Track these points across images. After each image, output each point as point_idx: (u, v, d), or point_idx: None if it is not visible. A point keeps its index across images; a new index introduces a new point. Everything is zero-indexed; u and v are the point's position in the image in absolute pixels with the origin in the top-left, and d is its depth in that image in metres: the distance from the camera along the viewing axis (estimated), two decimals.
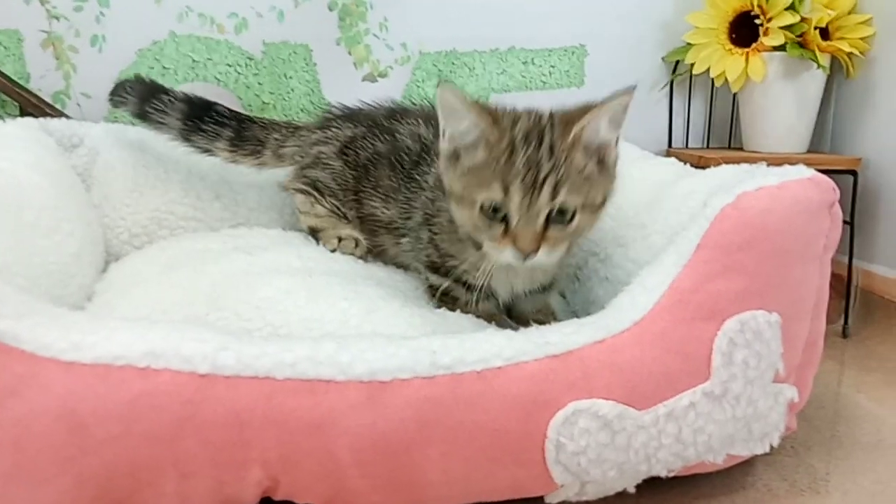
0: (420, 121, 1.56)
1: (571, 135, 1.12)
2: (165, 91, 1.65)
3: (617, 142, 1.18)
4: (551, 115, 1.18)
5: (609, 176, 1.20)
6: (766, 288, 0.99)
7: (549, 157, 1.12)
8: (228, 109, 1.68)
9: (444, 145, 1.20)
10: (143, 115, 1.65)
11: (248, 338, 0.93)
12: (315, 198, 1.63)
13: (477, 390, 0.91)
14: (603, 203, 1.20)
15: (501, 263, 1.18)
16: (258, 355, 0.89)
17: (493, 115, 1.15)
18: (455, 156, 1.19)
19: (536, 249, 1.12)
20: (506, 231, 1.13)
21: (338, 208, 1.60)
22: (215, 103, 1.68)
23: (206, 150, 1.68)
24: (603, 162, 1.18)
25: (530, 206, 1.11)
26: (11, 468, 0.82)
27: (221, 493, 0.89)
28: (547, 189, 1.10)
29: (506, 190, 1.11)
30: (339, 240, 1.55)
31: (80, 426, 0.83)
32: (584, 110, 1.14)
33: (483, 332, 1.02)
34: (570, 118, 1.15)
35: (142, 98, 1.64)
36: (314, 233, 1.63)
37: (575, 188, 1.12)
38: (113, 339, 0.87)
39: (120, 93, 1.66)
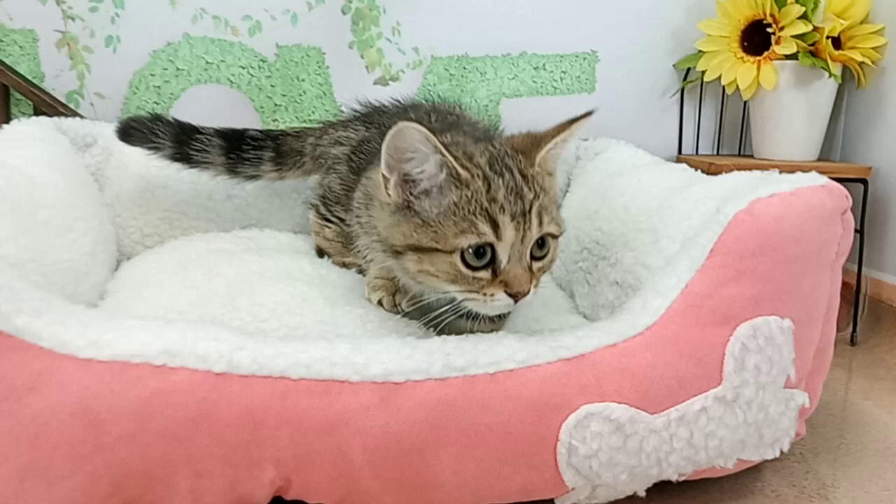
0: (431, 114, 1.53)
1: (540, 156, 1.06)
2: (197, 129, 1.61)
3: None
4: (501, 143, 1.10)
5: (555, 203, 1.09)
6: (779, 294, 1.00)
7: (527, 185, 1.03)
8: (258, 131, 1.68)
9: (391, 195, 1.05)
10: (185, 158, 1.61)
11: (263, 338, 0.94)
12: (323, 217, 1.62)
13: (489, 392, 0.92)
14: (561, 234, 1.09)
15: (483, 312, 1.05)
16: (274, 355, 0.90)
17: (454, 151, 1.03)
18: (406, 205, 1.05)
19: (529, 291, 1.01)
20: (494, 275, 1.01)
21: (342, 220, 1.57)
22: (245, 129, 1.66)
23: (253, 177, 1.67)
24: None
25: (523, 240, 1.00)
26: (28, 464, 0.83)
27: (234, 491, 0.90)
28: (535, 217, 1.01)
29: (495, 226, 0.99)
30: (343, 265, 1.55)
31: (96, 423, 0.84)
32: (547, 135, 1.08)
33: (496, 335, 1.02)
34: (532, 142, 1.09)
35: (178, 141, 1.60)
36: (321, 253, 1.64)
37: (551, 214, 1.04)
38: (130, 337, 0.88)
39: (151, 139, 1.58)
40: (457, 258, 1.00)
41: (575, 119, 1.08)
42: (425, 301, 1.15)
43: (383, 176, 1.04)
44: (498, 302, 1.01)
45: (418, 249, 1.03)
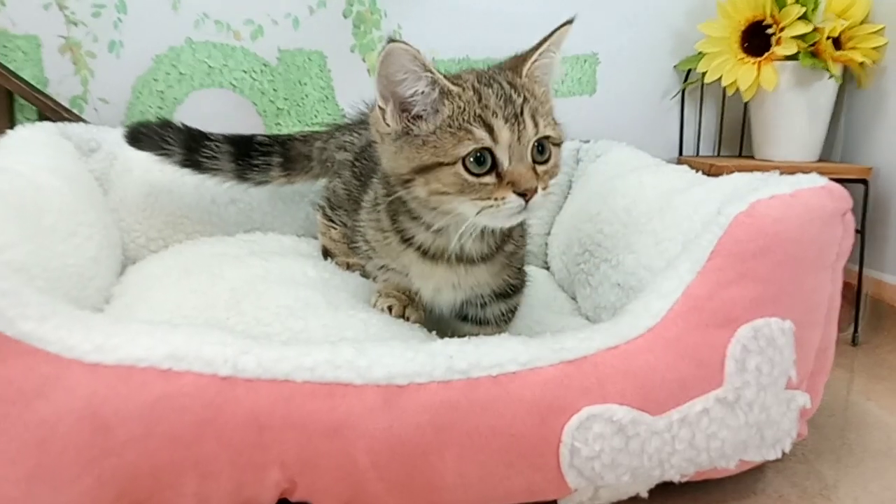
0: None
1: (526, 67, 1.11)
2: (206, 136, 1.63)
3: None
4: (492, 67, 1.17)
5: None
6: (780, 295, 1.00)
7: (516, 92, 1.08)
8: (266, 136, 1.69)
9: (390, 125, 1.09)
10: (194, 165, 1.63)
11: (268, 342, 0.94)
12: (329, 219, 1.64)
13: (492, 395, 0.92)
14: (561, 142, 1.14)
15: (500, 223, 1.11)
16: (278, 359, 0.90)
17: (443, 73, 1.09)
18: (406, 132, 1.09)
19: (536, 188, 1.05)
20: (499, 178, 1.05)
21: (344, 224, 1.60)
22: (253, 135, 1.68)
23: (262, 183, 1.69)
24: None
25: (520, 140, 1.05)
26: (35, 468, 0.83)
27: (240, 494, 0.90)
28: (528, 119, 1.06)
29: (490, 130, 1.04)
30: (348, 266, 1.57)
31: (103, 427, 0.84)
32: (531, 49, 1.14)
33: (498, 337, 1.02)
34: (517, 59, 1.14)
35: (188, 148, 1.61)
36: (326, 253, 1.65)
37: (546, 119, 1.09)
38: (136, 341, 0.89)
39: (161, 146, 1.60)
40: (460, 168, 1.05)
41: (555, 29, 1.14)
42: (435, 317, 1.18)
43: (380, 108, 1.09)
44: (510, 204, 1.05)
45: (423, 170, 1.08)
